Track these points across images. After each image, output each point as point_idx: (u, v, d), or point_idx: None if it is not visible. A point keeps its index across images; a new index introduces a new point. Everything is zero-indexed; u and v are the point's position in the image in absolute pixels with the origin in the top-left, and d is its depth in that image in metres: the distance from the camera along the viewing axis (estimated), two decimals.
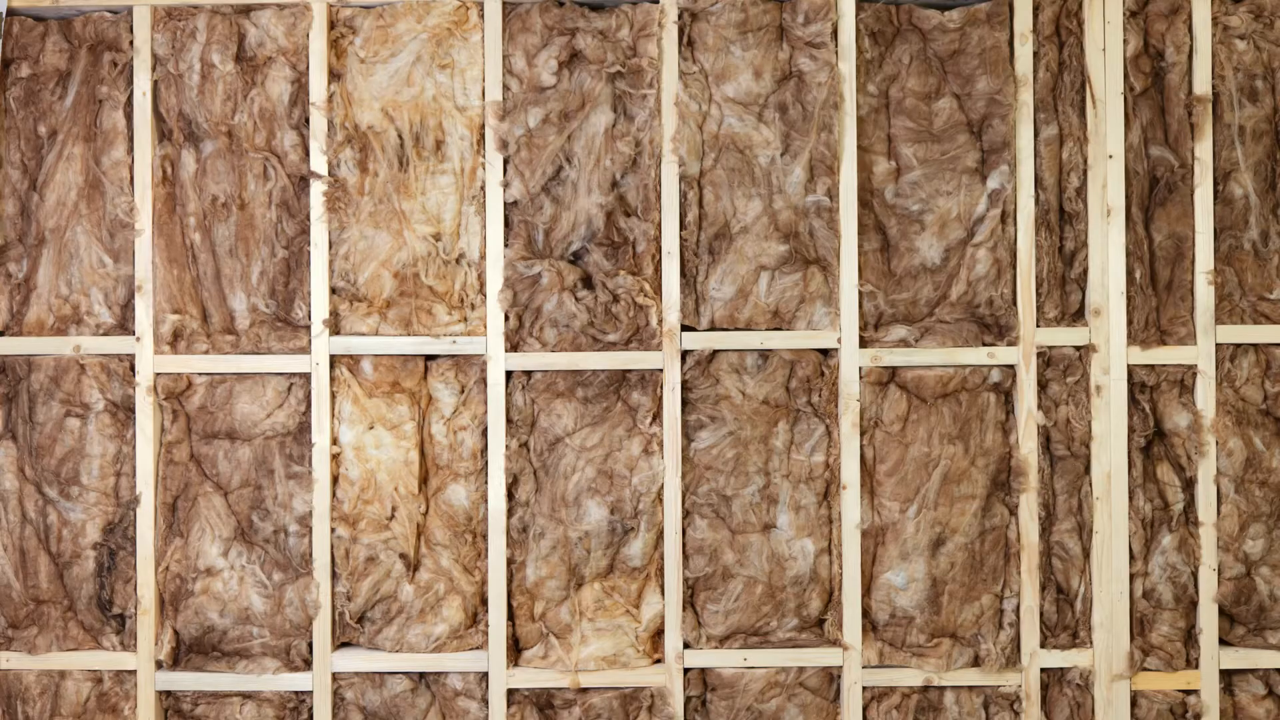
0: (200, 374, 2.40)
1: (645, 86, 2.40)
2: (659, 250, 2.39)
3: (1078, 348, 2.41)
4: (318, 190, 2.38)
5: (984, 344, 2.40)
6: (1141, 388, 2.41)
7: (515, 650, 2.40)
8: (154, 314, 2.38)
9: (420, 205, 2.41)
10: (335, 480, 2.39)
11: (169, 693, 2.40)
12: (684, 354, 2.39)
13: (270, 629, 2.41)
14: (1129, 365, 2.39)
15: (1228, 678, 2.42)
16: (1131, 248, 2.40)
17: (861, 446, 2.40)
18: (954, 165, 2.42)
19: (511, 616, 2.40)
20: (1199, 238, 2.40)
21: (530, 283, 2.39)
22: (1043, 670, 2.40)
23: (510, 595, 2.40)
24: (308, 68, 2.40)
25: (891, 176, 2.43)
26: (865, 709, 2.40)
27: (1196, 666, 2.39)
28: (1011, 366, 2.40)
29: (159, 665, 2.39)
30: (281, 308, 2.41)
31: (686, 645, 2.39)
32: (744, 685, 2.40)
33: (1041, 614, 2.40)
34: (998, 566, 2.41)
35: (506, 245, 2.40)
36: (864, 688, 2.39)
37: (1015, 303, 2.40)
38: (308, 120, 2.41)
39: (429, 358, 2.42)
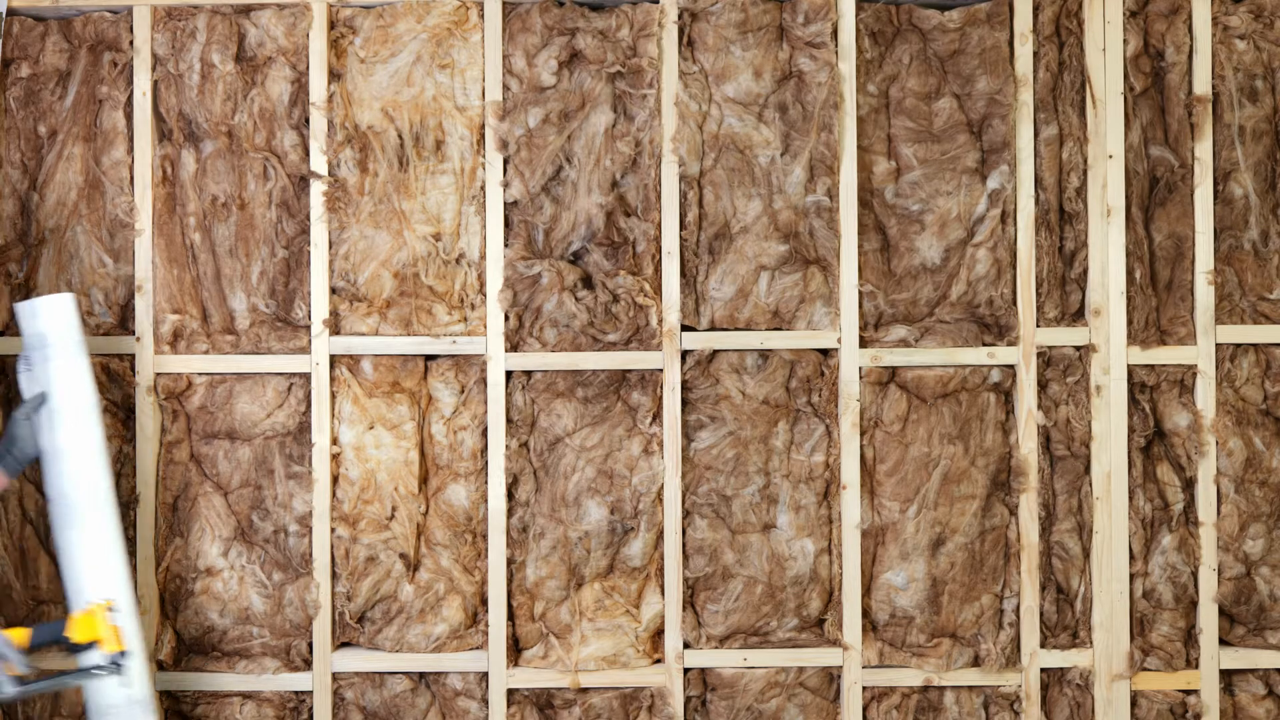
0: (200, 374, 2.40)
1: (645, 86, 2.40)
2: (659, 250, 2.39)
3: (1078, 348, 2.41)
4: (318, 190, 2.38)
5: (984, 344, 2.40)
6: (1141, 388, 2.41)
7: (515, 650, 2.40)
8: (154, 314, 2.38)
9: (420, 205, 2.41)
10: (335, 480, 2.39)
11: (169, 693, 2.40)
12: (684, 354, 2.39)
13: (270, 629, 2.41)
14: (1129, 365, 2.39)
15: (1228, 678, 2.42)
16: (1131, 248, 2.40)
17: (861, 446, 2.40)
18: (954, 165, 2.42)
19: (511, 616, 2.40)
20: (1199, 238, 2.40)
21: (530, 283, 2.39)
22: (1043, 670, 2.40)
23: (510, 595, 2.40)
24: (308, 68, 2.40)
25: (891, 176, 2.43)
26: (865, 709, 2.40)
27: (1196, 666, 2.40)
28: (1011, 366, 2.40)
29: (159, 665, 2.38)
30: (281, 308, 2.41)
31: (686, 645, 2.39)
32: (744, 685, 2.40)
33: (1041, 614, 2.40)
34: (998, 566, 2.42)
35: (506, 245, 2.40)
36: (864, 688, 2.39)
37: (1015, 303, 2.40)
38: (308, 120, 2.41)
39: (429, 358, 2.42)
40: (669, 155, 2.37)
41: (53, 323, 2.08)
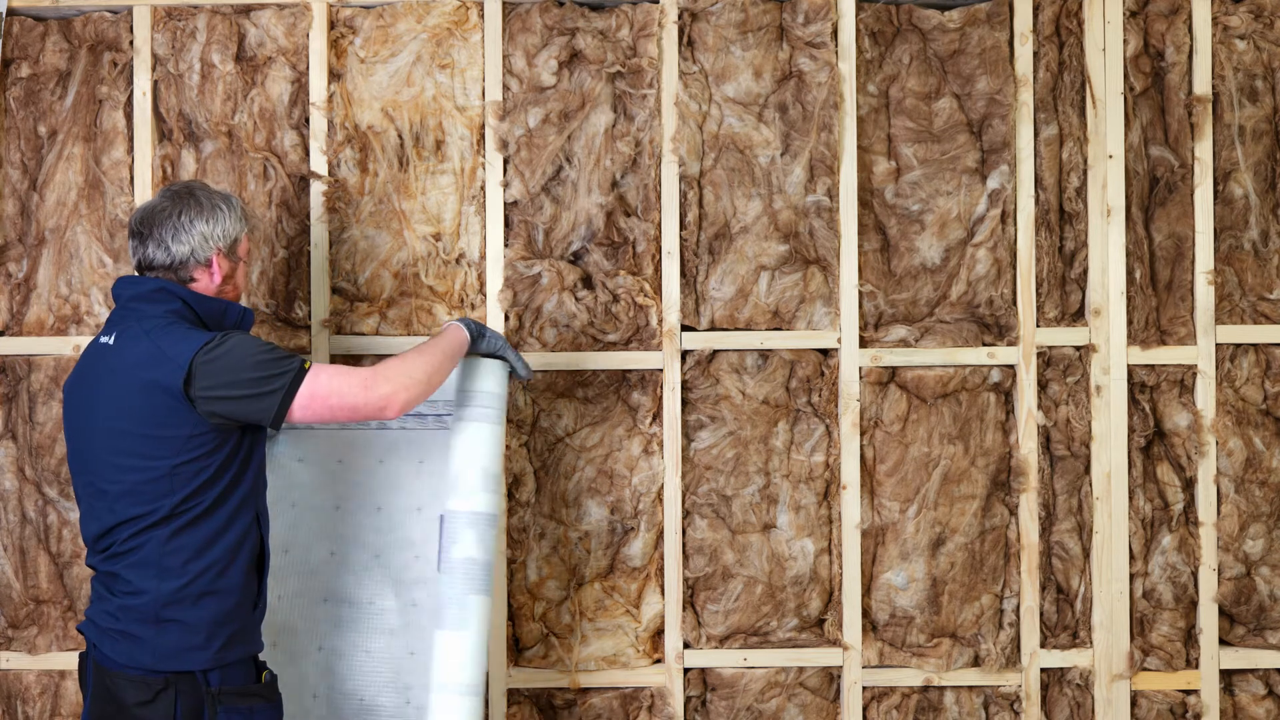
0: None
1: (645, 86, 2.40)
2: (659, 250, 2.39)
3: (1078, 348, 2.41)
4: (318, 190, 2.38)
5: (984, 344, 2.40)
6: (1141, 388, 2.41)
7: (515, 650, 2.40)
8: None
9: (420, 205, 2.41)
10: None
11: None
12: (684, 354, 2.39)
13: None
14: (1129, 365, 2.39)
15: (1228, 678, 2.42)
16: (1131, 248, 2.40)
17: (861, 446, 2.40)
18: (954, 165, 2.42)
19: (512, 616, 2.40)
20: (1199, 238, 2.40)
21: (530, 283, 2.39)
22: (1043, 670, 2.40)
23: (510, 595, 2.40)
24: (308, 68, 2.40)
25: (891, 176, 2.43)
26: (865, 709, 2.40)
27: (1196, 666, 2.39)
28: (1011, 366, 2.40)
29: None
30: (282, 307, 2.41)
31: (686, 645, 2.39)
32: (744, 685, 2.39)
33: (1041, 614, 2.40)
34: (998, 566, 2.41)
35: (506, 245, 2.39)
36: (864, 688, 2.39)
37: (1015, 303, 2.40)
38: (308, 120, 2.41)
39: None
40: (669, 155, 2.37)
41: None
